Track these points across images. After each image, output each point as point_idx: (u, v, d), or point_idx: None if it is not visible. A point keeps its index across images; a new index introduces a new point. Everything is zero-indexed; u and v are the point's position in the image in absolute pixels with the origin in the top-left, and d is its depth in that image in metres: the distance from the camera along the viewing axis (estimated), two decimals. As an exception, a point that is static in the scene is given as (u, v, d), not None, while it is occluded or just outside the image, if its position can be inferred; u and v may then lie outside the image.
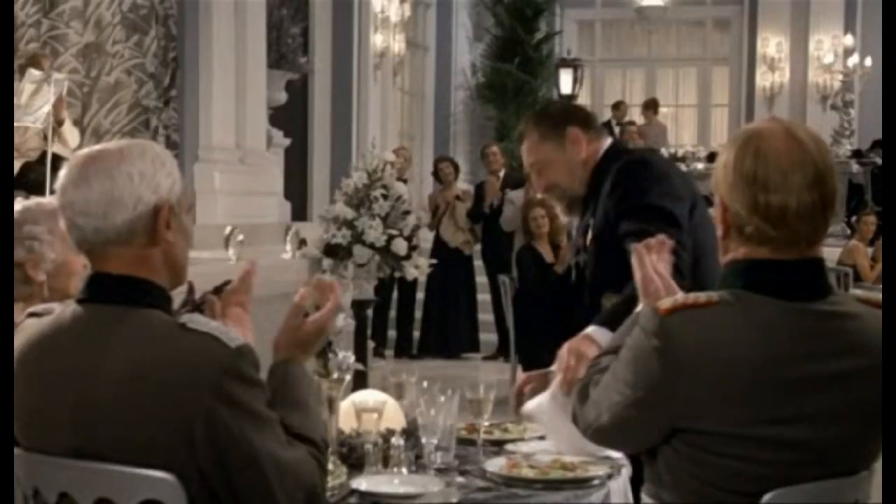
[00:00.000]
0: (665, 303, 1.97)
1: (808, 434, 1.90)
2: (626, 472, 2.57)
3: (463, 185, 10.92)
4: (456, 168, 10.74)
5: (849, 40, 14.50)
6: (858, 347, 1.94)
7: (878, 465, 1.99)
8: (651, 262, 2.30)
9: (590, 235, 3.26)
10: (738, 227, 1.97)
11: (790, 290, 1.94)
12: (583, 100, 15.84)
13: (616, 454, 2.55)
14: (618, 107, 15.15)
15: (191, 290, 2.63)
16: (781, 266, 1.95)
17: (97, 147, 2.03)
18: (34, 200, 2.69)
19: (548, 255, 7.90)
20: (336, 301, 2.14)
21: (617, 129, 14.46)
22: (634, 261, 2.31)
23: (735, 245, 2.00)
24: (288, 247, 7.59)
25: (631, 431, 2.04)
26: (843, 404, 1.92)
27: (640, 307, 2.27)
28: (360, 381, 4.18)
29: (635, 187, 3.13)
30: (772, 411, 1.89)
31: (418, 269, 7.39)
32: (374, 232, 7.09)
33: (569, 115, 3.34)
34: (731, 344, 1.90)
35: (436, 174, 10.87)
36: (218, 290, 2.70)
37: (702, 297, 1.96)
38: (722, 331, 1.91)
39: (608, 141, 3.33)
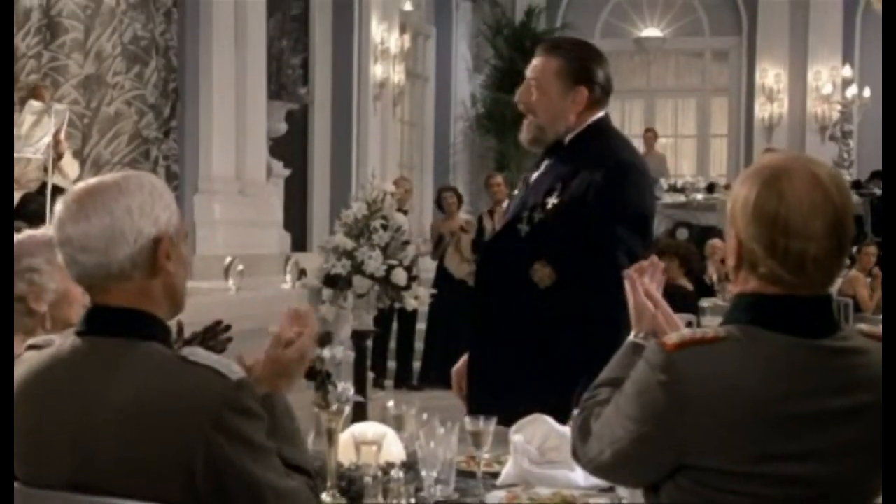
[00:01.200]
0: (672, 338, 1.95)
1: (814, 470, 1.89)
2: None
3: (465, 215, 10.93)
4: (459, 198, 10.74)
5: (847, 71, 14.56)
6: (866, 383, 1.92)
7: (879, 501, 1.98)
8: (644, 286, 2.29)
9: (553, 199, 3.23)
10: (751, 264, 1.95)
11: (798, 326, 1.92)
12: (582, 130, 15.89)
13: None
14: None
15: (180, 329, 2.63)
16: (791, 303, 1.93)
17: (93, 181, 2.01)
18: (26, 233, 2.67)
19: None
20: (313, 327, 2.14)
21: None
22: (627, 286, 2.31)
23: (744, 277, 1.98)
24: (288, 277, 7.61)
25: (634, 467, 2.01)
26: (850, 440, 1.90)
27: (632, 335, 2.26)
28: (359, 413, 4.17)
29: (634, 195, 3.23)
30: (779, 448, 1.87)
31: (418, 299, 7.38)
32: (374, 262, 7.09)
33: (591, 74, 3.35)
34: (739, 380, 1.88)
35: (439, 204, 10.88)
36: (209, 330, 2.70)
37: (709, 332, 1.94)
38: (729, 367, 1.89)
39: (599, 114, 3.35)
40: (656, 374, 1.92)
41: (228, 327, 2.75)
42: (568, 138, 3.31)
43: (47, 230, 2.76)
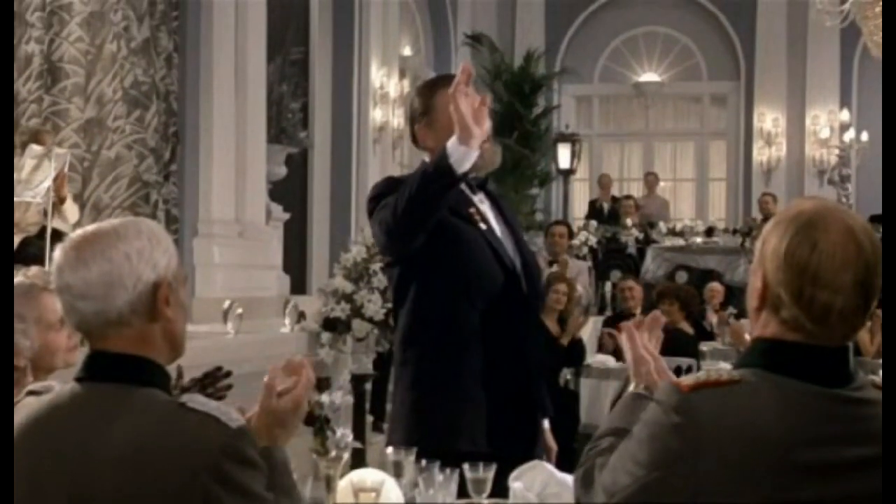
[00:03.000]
0: (687, 380, 1.94)
1: None
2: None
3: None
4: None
5: (845, 115, 14.62)
6: (879, 436, 1.91)
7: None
8: (642, 340, 2.29)
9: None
10: (774, 307, 1.94)
11: (814, 374, 1.91)
12: (581, 174, 15.98)
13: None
14: (601, 181, 15.31)
15: (180, 374, 2.62)
16: (809, 351, 1.92)
17: (91, 228, 2.01)
18: None
19: (552, 328, 7.91)
20: (308, 376, 2.12)
21: (606, 205, 14.56)
22: (625, 340, 2.30)
23: (765, 320, 1.96)
24: (287, 320, 7.59)
25: None
26: (863, 491, 1.88)
27: (631, 387, 2.25)
28: (358, 459, 4.15)
29: None
30: (791, 495, 1.85)
31: (417, 343, 7.36)
32: (373, 306, 7.09)
33: None
34: (754, 424, 1.87)
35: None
36: (208, 376, 2.69)
37: (724, 375, 1.93)
38: (745, 410, 1.88)
39: None
40: (670, 416, 1.89)
41: (229, 373, 2.73)
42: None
43: (27, 275, 2.74)
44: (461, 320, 3.22)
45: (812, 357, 1.92)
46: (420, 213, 3.05)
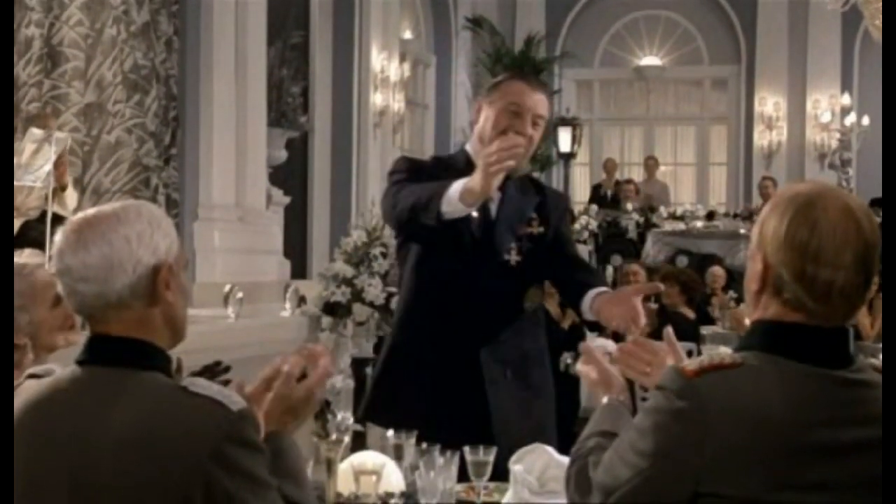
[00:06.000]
0: (691, 364, 1.94)
1: (829, 501, 1.87)
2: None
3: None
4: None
5: (846, 99, 14.57)
6: (878, 418, 1.91)
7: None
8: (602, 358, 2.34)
9: (538, 229, 3.43)
10: (776, 289, 1.95)
11: (815, 355, 1.92)
12: (581, 158, 15.95)
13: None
14: (606, 165, 15.29)
15: (179, 368, 2.62)
16: (809, 331, 1.93)
17: (92, 211, 2.02)
18: None
19: (554, 312, 7.92)
20: (325, 367, 2.11)
21: (610, 191, 14.55)
22: (581, 366, 2.35)
23: (766, 302, 1.97)
24: (287, 304, 7.59)
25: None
26: (865, 473, 1.89)
27: (605, 399, 2.27)
28: (358, 443, 4.15)
29: None
30: (796, 477, 1.86)
31: (417, 327, 7.36)
32: (374, 290, 7.09)
33: None
34: (758, 406, 1.87)
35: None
36: (207, 369, 2.69)
37: (727, 358, 1.94)
38: (749, 393, 1.88)
39: None
40: (674, 402, 1.89)
41: (228, 368, 2.73)
42: (530, 171, 3.50)
43: (20, 255, 2.74)
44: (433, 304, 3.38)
45: (813, 338, 1.92)
46: (416, 227, 3.21)
